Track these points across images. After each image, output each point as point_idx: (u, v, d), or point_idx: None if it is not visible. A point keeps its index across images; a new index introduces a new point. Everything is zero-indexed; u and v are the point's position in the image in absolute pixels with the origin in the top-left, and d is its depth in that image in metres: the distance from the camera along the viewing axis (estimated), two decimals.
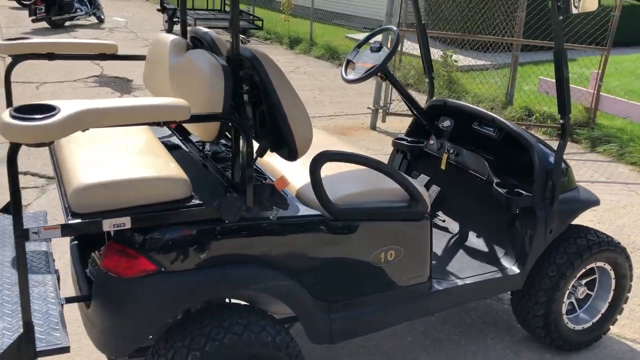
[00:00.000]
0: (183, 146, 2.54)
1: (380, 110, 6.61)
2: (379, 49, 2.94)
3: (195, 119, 1.80)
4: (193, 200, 1.93)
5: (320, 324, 2.23)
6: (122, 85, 7.91)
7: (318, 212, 2.15)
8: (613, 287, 2.93)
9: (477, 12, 8.49)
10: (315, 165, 2.10)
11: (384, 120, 6.70)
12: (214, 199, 1.94)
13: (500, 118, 2.89)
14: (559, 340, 2.84)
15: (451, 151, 3.09)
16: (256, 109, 2.19)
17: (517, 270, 2.67)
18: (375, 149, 5.78)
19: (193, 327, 1.99)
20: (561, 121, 2.63)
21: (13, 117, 1.49)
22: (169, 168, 1.98)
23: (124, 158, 2.03)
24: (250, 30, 12.84)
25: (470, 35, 7.80)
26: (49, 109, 1.53)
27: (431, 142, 3.23)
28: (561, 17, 2.42)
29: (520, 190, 2.69)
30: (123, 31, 13.06)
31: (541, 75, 7.38)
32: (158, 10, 13.61)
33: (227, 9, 14.11)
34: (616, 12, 6.27)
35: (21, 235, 1.66)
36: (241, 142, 1.91)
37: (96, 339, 2.01)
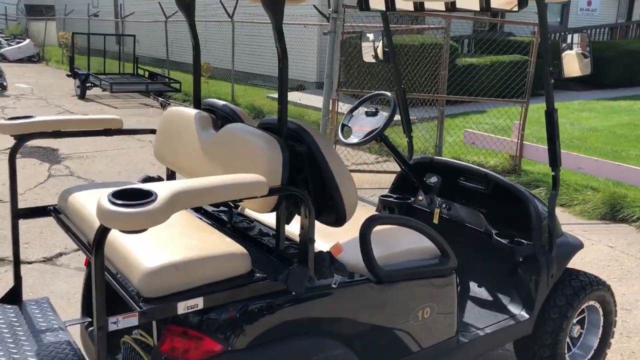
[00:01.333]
0: (205, 219, 2.50)
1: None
2: (374, 114, 3.08)
3: (271, 192, 1.81)
4: (255, 275, 1.91)
5: None
6: (49, 155, 7.54)
7: (365, 277, 2.19)
8: (602, 323, 3.16)
9: (403, 71, 9.01)
10: (366, 230, 2.15)
11: None
12: (272, 271, 1.93)
13: (492, 173, 3.10)
14: None
15: (443, 205, 3.25)
16: (298, 178, 2.22)
17: (527, 316, 2.82)
18: None
19: None
20: (553, 173, 2.87)
21: (113, 203, 1.44)
22: (227, 243, 1.95)
23: (176, 236, 1.98)
24: (168, 92, 12.75)
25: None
26: (145, 194, 1.49)
27: (420, 197, 3.38)
28: (552, 81, 2.68)
29: (521, 240, 2.87)
30: (31, 98, 12.51)
31: (465, 127, 7.90)
32: (68, 75, 13.23)
33: (140, 72, 13.96)
34: (531, 68, 6.91)
35: (102, 327, 1.58)
36: (302, 212, 1.93)
37: None
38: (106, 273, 1.91)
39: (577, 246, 3.08)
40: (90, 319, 2.45)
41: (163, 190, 1.53)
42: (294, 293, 1.95)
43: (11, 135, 2.42)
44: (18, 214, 2.48)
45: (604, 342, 3.17)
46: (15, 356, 2.17)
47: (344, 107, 7.37)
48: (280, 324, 1.96)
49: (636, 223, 5.80)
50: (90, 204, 2.23)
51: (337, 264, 2.08)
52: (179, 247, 1.88)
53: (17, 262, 2.53)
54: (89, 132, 2.61)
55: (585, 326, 3.17)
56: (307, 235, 1.94)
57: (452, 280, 2.47)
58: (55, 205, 2.50)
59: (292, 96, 11.58)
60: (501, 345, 2.83)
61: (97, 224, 1.95)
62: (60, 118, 2.53)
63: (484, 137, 7.55)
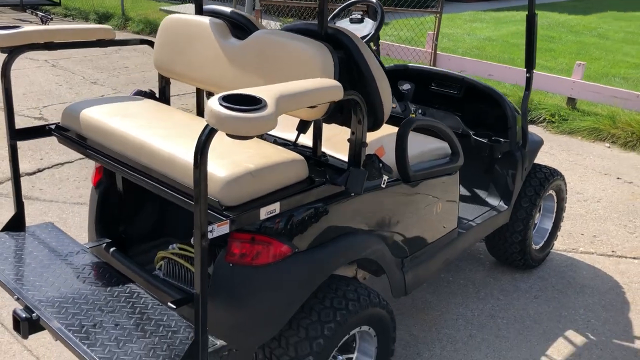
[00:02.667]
0: None
1: None
2: (360, 20, 3.08)
3: None
4: (315, 179, 1.95)
5: (399, 278, 2.40)
6: None
7: (396, 177, 2.30)
8: (555, 209, 3.55)
9: None
10: (405, 132, 2.24)
11: None
12: (323, 176, 1.98)
13: (468, 76, 3.27)
14: (530, 260, 3.38)
15: (419, 111, 3.39)
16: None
17: (505, 206, 3.11)
18: None
19: (313, 304, 2.03)
20: (527, 75, 3.10)
21: (228, 108, 1.40)
22: (282, 151, 1.96)
23: (233, 147, 1.94)
24: (44, 7, 11.55)
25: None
26: (254, 100, 1.46)
27: (393, 105, 3.49)
28: None
29: (498, 138, 3.11)
30: None
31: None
32: None
33: None
34: None
35: (204, 234, 1.57)
36: (358, 116, 1.96)
37: (227, 335, 1.93)
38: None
39: (540, 142, 3.39)
40: (109, 240, 2.37)
41: (268, 95, 1.50)
42: (352, 194, 2.02)
43: (3, 50, 2.18)
44: (16, 135, 2.28)
45: (556, 226, 3.59)
46: (52, 280, 2.08)
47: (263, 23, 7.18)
48: (337, 224, 2.04)
49: (543, 124, 6.39)
50: (113, 118, 2.11)
51: (385, 166, 2.16)
52: (243, 156, 1.85)
53: (18, 188, 2.35)
54: (81, 43, 2.40)
55: (541, 212, 3.56)
56: (360, 139, 1.98)
57: (456, 177, 2.65)
58: (57, 123, 2.32)
59: (191, 8, 10.99)
60: (487, 234, 3.12)
61: (134, 136, 1.86)
62: (52, 28, 2.30)
63: (400, 48, 7.75)
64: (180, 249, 2.22)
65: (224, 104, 1.41)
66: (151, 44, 2.57)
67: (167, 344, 1.82)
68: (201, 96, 2.63)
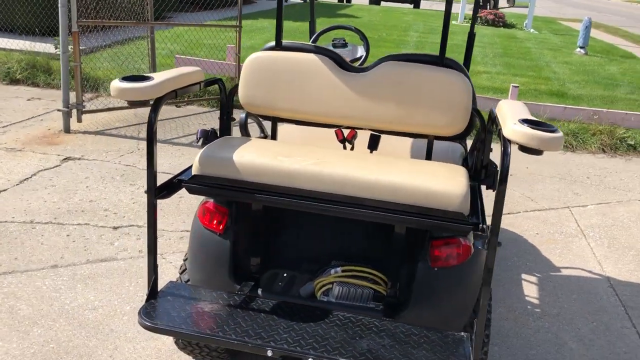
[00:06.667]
0: None
1: (74, 110, 5.98)
2: (344, 45, 3.32)
3: None
4: None
5: None
6: None
7: None
8: None
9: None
10: None
11: (79, 120, 6.08)
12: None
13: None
14: None
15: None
16: None
17: None
18: (90, 150, 5.42)
19: None
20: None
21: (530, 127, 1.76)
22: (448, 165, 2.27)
23: (411, 164, 2.17)
24: None
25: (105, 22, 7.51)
26: (541, 124, 1.80)
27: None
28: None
29: None
30: None
31: (144, 53, 7.79)
32: None
33: None
34: None
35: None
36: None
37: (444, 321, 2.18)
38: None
39: None
40: (252, 282, 2.30)
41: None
42: None
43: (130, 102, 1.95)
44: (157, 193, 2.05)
45: None
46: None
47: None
48: None
49: None
50: (262, 157, 2.12)
51: None
52: (440, 172, 2.11)
53: (154, 250, 2.08)
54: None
55: None
56: (488, 150, 2.39)
57: None
58: (197, 174, 2.13)
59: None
60: None
61: (331, 171, 1.99)
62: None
63: (199, 62, 7.79)
64: (343, 270, 2.32)
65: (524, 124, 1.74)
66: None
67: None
68: (276, 125, 2.65)
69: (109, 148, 5.53)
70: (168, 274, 3.46)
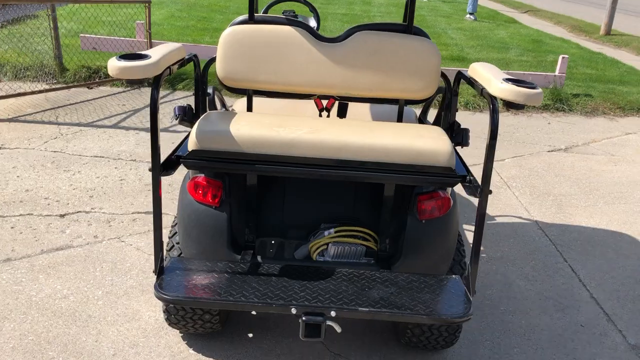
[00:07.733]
0: None
1: None
2: (295, 17, 3.38)
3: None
4: None
5: None
6: None
7: None
8: None
9: None
10: None
11: None
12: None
13: None
14: None
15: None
16: None
17: None
18: (9, 139, 5.14)
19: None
20: None
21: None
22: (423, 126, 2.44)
23: (402, 128, 2.34)
24: None
25: None
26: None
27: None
28: None
29: None
30: None
31: (37, 34, 7.42)
32: None
33: None
34: None
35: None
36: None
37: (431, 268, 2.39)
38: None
39: None
40: (250, 250, 2.39)
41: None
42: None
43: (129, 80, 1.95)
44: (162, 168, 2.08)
45: None
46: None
47: None
48: None
49: None
50: (258, 129, 2.18)
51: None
52: (425, 134, 2.29)
53: (159, 227, 2.11)
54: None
55: None
56: (453, 112, 2.61)
57: None
58: (195, 149, 2.15)
59: None
60: None
61: (326, 138, 2.13)
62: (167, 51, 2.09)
63: (108, 40, 7.47)
64: (336, 231, 2.45)
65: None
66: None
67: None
68: (251, 98, 2.69)
69: (30, 135, 5.23)
70: (132, 256, 3.42)
